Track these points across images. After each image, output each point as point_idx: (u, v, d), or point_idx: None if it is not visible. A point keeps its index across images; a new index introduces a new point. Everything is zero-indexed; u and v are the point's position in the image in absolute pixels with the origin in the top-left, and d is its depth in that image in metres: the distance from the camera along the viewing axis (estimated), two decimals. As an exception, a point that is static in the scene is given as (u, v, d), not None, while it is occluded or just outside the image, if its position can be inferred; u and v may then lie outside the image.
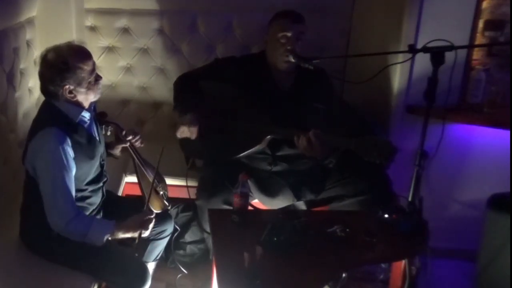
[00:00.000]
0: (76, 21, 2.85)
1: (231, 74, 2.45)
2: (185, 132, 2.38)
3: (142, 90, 3.14)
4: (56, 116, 1.92)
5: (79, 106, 1.96)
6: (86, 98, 1.96)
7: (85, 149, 1.96)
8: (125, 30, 3.02)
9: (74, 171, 1.91)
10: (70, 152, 1.88)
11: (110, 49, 3.06)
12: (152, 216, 2.01)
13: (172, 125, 3.11)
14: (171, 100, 2.56)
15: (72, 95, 1.91)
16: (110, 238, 1.93)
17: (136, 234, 1.95)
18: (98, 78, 1.97)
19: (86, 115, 1.99)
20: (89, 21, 3.00)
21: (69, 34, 2.80)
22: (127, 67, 3.10)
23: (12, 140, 2.36)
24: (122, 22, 3.00)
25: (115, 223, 1.95)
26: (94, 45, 3.03)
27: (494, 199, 2.22)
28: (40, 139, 1.87)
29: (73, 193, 1.91)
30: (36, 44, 2.65)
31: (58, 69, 1.87)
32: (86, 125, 2.00)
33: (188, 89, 2.47)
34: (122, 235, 1.94)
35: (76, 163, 1.92)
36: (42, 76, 1.93)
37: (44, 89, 1.94)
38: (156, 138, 2.98)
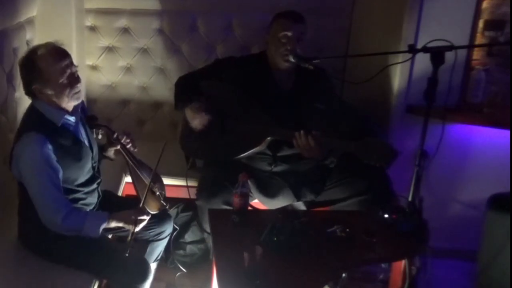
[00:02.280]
0: (76, 21, 2.85)
1: (231, 74, 2.45)
2: (197, 120, 2.36)
3: (142, 90, 3.14)
4: (38, 121, 1.90)
5: (62, 110, 1.93)
6: (59, 101, 1.90)
7: (70, 152, 1.95)
8: (125, 30, 3.02)
9: (60, 173, 1.90)
10: (52, 156, 1.87)
11: (110, 49, 3.06)
12: (145, 217, 2.00)
13: (173, 125, 3.13)
14: (171, 100, 2.56)
15: (43, 95, 1.89)
16: (106, 226, 1.93)
17: (129, 227, 1.95)
18: (73, 81, 1.90)
19: (71, 118, 1.97)
20: (89, 21, 3.01)
21: (69, 34, 2.80)
22: (127, 67, 3.10)
23: (12, 140, 2.35)
24: (122, 22, 3.01)
25: (109, 214, 1.96)
26: (94, 45, 3.04)
27: (494, 199, 2.22)
28: (22, 144, 1.87)
29: (61, 190, 1.91)
30: (36, 44, 2.65)
31: (27, 68, 1.88)
32: (71, 128, 1.98)
33: (189, 90, 2.47)
34: (115, 224, 1.95)
35: (62, 166, 1.90)
36: (20, 76, 1.94)
37: (24, 89, 1.95)
38: (156, 138, 3.00)
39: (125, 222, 1.96)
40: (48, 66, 1.85)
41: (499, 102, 2.59)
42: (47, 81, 1.86)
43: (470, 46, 2.56)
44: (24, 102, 2.52)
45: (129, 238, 1.94)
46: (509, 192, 2.24)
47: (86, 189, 2.04)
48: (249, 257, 1.66)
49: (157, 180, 2.33)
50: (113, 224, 1.96)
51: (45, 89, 1.88)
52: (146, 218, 2.00)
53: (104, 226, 1.93)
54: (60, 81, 1.87)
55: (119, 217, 1.97)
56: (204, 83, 2.47)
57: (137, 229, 1.97)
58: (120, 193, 2.63)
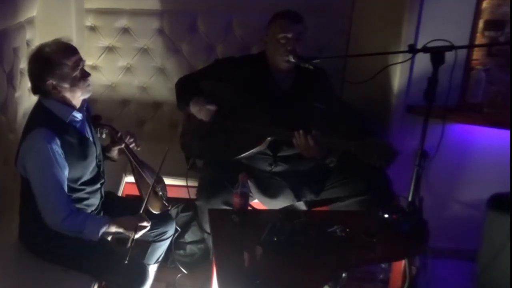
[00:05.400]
0: (76, 21, 2.85)
1: (231, 74, 2.45)
2: (203, 111, 2.36)
3: (142, 90, 3.14)
4: (46, 117, 1.92)
5: (69, 106, 1.95)
6: (73, 95, 1.94)
7: (76, 149, 1.96)
8: (125, 30, 3.02)
9: (66, 170, 1.91)
10: (60, 152, 1.88)
11: (110, 49, 3.06)
12: (147, 225, 2.00)
13: (173, 125, 3.13)
14: (171, 100, 2.57)
15: (56, 91, 1.91)
16: (106, 230, 1.94)
17: (129, 233, 1.95)
18: (85, 74, 1.96)
19: (78, 115, 1.99)
20: (89, 21, 3.01)
21: (69, 34, 2.77)
22: (127, 67, 3.10)
23: (12, 140, 2.36)
24: (122, 22, 3.01)
25: (110, 218, 1.97)
26: (94, 45, 3.04)
27: (494, 199, 2.22)
28: (30, 140, 1.88)
29: (66, 190, 1.91)
30: (36, 44, 2.63)
31: (40, 64, 1.89)
32: (77, 125, 2.00)
33: (190, 90, 2.47)
34: (116, 230, 1.96)
35: (68, 163, 1.92)
36: (28, 73, 1.95)
37: (32, 87, 1.96)
38: (156, 138, 3.00)
39: (126, 229, 1.96)
40: (63, 60, 1.88)
41: (499, 102, 2.58)
42: (62, 76, 1.89)
43: (470, 46, 2.55)
44: (24, 102, 2.52)
45: (129, 244, 1.93)
46: (509, 192, 2.24)
47: (89, 189, 2.04)
48: (249, 257, 1.66)
49: (159, 181, 2.33)
50: (114, 229, 1.96)
51: (61, 84, 1.90)
52: (147, 225, 2.00)
53: (104, 230, 1.93)
54: (74, 74, 1.91)
55: (120, 222, 1.97)
56: (204, 83, 2.47)
57: (137, 235, 1.96)
58: (120, 193, 2.63)
